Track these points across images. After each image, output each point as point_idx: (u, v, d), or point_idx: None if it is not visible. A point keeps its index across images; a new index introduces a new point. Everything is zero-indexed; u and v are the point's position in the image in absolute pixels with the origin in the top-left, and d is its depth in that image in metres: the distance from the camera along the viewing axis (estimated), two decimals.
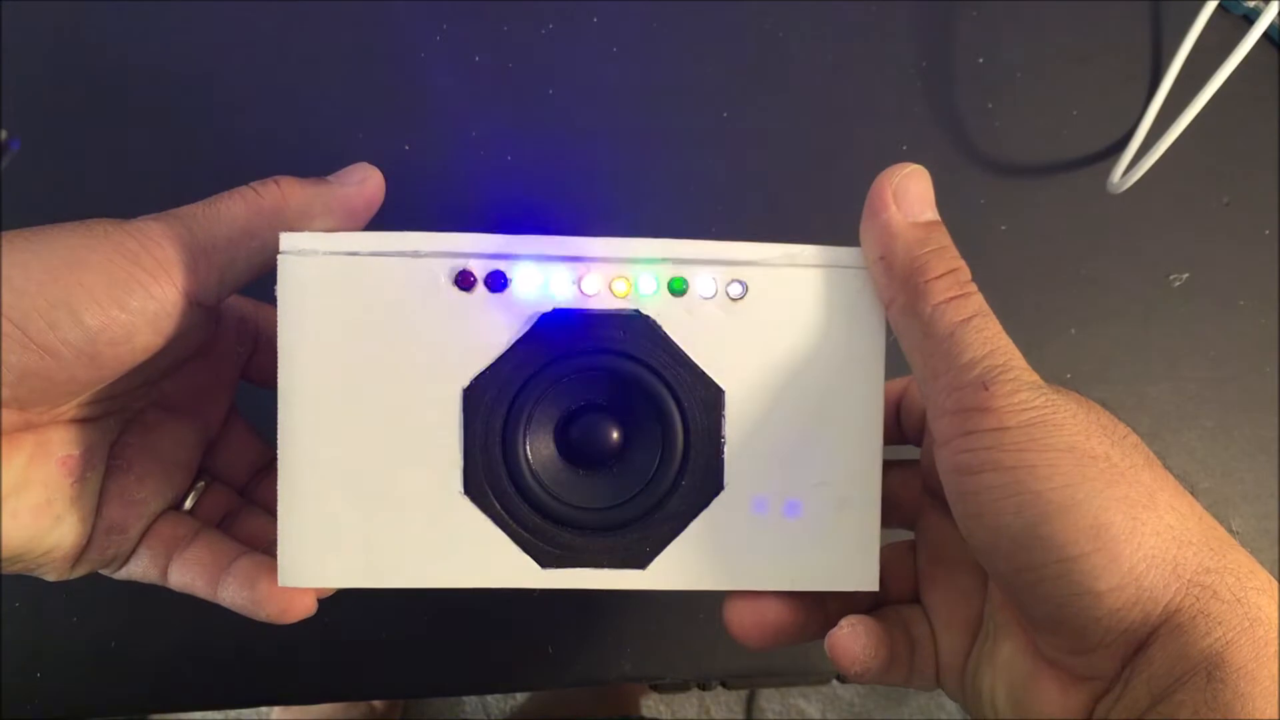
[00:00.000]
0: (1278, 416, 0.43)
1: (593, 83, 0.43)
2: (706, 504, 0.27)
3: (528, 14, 0.44)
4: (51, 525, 0.27)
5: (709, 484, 0.27)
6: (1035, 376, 0.24)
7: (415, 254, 0.26)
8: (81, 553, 0.28)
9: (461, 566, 0.27)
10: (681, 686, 0.53)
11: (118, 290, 0.25)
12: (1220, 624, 0.21)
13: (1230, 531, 0.41)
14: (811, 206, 0.43)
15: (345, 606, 0.40)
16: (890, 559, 0.31)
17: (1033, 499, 0.22)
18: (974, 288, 0.25)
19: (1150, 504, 0.22)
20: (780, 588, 0.28)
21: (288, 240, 0.26)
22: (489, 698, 1.07)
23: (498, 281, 0.27)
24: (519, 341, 0.27)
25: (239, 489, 0.33)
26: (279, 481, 0.27)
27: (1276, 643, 0.21)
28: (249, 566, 0.29)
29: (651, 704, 1.06)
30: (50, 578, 0.29)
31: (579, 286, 0.27)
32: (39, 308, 0.24)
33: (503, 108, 0.43)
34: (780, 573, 0.28)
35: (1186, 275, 0.43)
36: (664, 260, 0.27)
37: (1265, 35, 0.44)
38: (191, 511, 0.31)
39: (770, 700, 1.11)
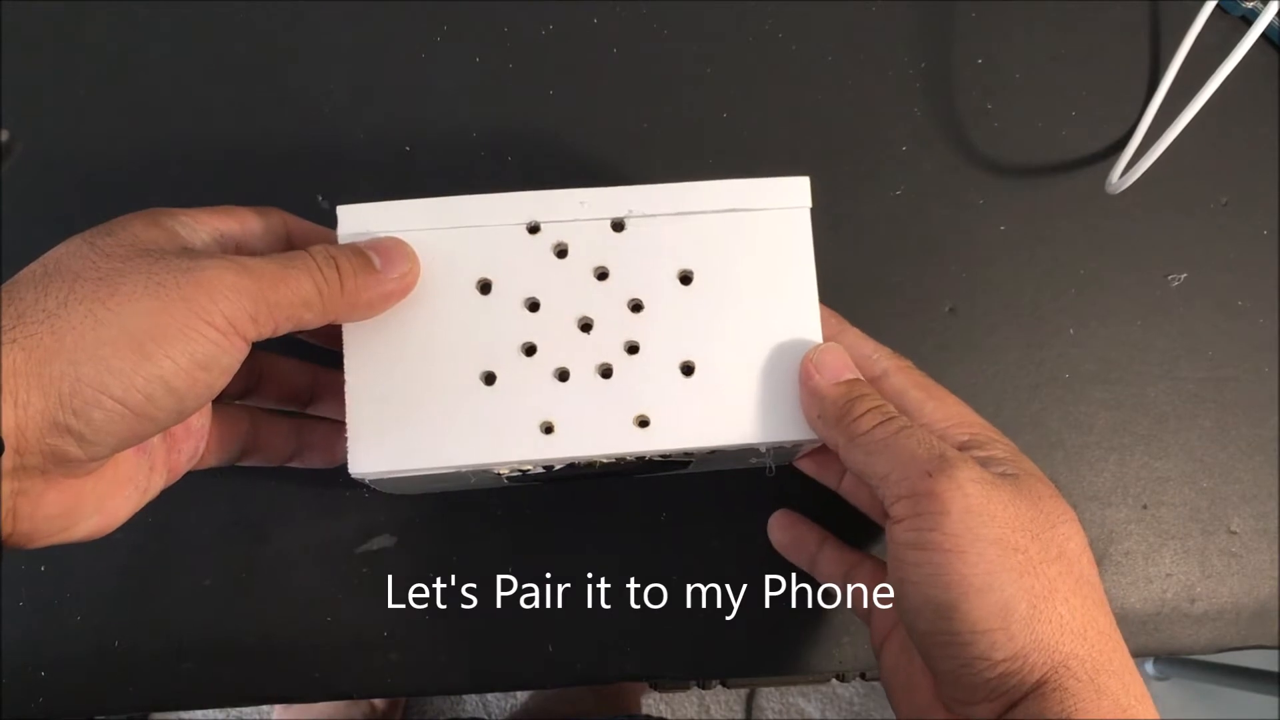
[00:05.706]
0: (1277, 416, 0.43)
1: (593, 83, 0.43)
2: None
3: (528, 14, 0.44)
4: (139, 497, 0.32)
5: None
6: (970, 461, 0.29)
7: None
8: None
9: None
10: (681, 686, 0.54)
11: (199, 357, 0.27)
12: (1073, 696, 0.28)
13: (1229, 532, 0.42)
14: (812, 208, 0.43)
15: (345, 606, 0.40)
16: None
17: (959, 580, 0.28)
18: (896, 413, 0.31)
19: (1049, 596, 0.29)
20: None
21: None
22: (489, 697, 1.07)
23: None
24: None
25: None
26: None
27: (1113, 712, 0.28)
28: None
29: (651, 703, 1.06)
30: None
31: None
32: (138, 385, 0.26)
33: (503, 108, 0.43)
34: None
35: (1185, 275, 0.43)
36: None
37: (1264, 35, 0.44)
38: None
39: (770, 699, 1.11)
